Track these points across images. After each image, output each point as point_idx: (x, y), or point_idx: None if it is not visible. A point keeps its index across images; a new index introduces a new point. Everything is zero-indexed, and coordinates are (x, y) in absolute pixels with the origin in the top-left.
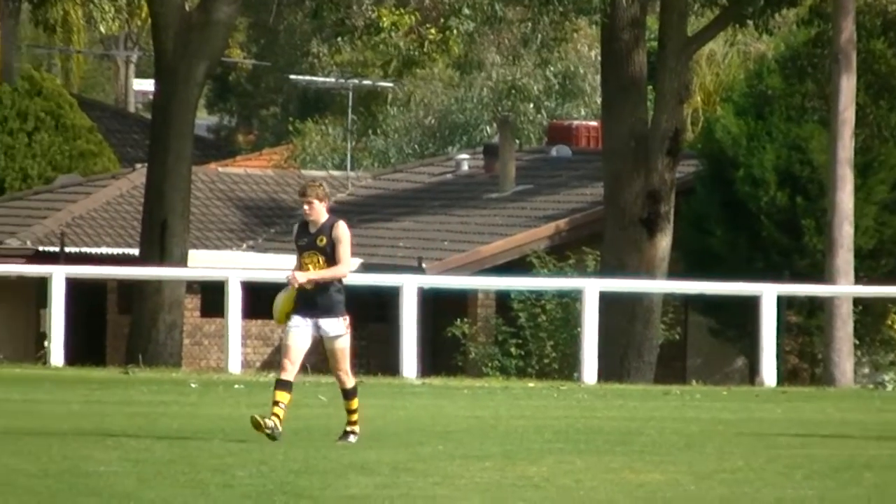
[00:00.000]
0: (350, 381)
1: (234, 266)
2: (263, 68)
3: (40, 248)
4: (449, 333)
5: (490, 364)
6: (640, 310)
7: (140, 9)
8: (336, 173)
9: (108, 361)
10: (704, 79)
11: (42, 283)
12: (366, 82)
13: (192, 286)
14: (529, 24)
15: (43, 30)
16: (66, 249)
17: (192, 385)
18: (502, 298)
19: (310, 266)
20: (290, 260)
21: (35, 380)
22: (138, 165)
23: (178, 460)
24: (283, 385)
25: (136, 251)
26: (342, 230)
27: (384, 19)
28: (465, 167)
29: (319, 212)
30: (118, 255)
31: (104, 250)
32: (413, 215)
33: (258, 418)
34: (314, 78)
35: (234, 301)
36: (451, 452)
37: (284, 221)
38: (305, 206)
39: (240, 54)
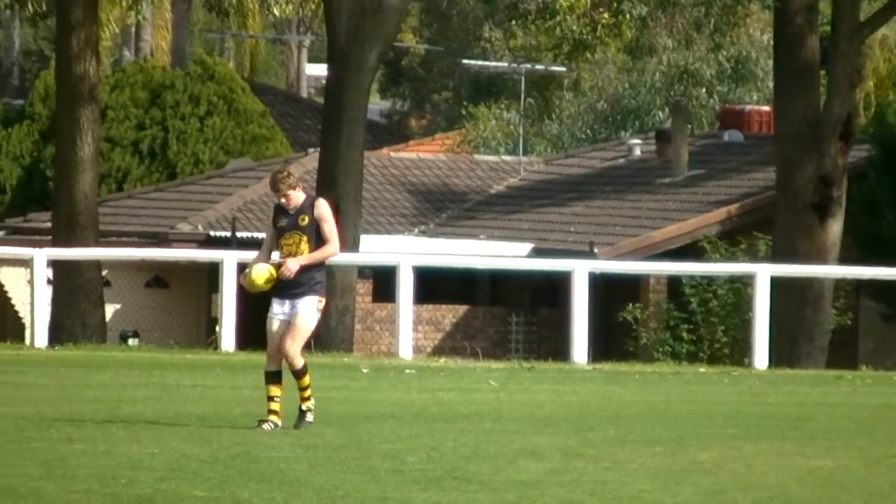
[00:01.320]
0: (299, 362)
1: (406, 251)
2: (436, 53)
3: (212, 233)
4: (620, 318)
5: (661, 349)
6: (811, 295)
7: None
8: (508, 158)
9: None
10: (877, 63)
11: (214, 269)
12: (538, 67)
13: (364, 271)
14: (702, 8)
15: (216, 14)
16: (238, 234)
17: (364, 370)
18: (674, 283)
19: (291, 247)
20: (462, 245)
21: (206, 365)
22: (310, 150)
23: (349, 446)
24: (273, 377)
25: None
26: (324, 208)
27: (560, 2)
28: (637, 152)
29: (296, 197)
30: None
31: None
32: (585, 200)
33: (259, 424)
34: (486, 63)
35: (406, 286)
36: (621, 437)
37: (457, 206)
38: (282, 199)
39: (412, 39)
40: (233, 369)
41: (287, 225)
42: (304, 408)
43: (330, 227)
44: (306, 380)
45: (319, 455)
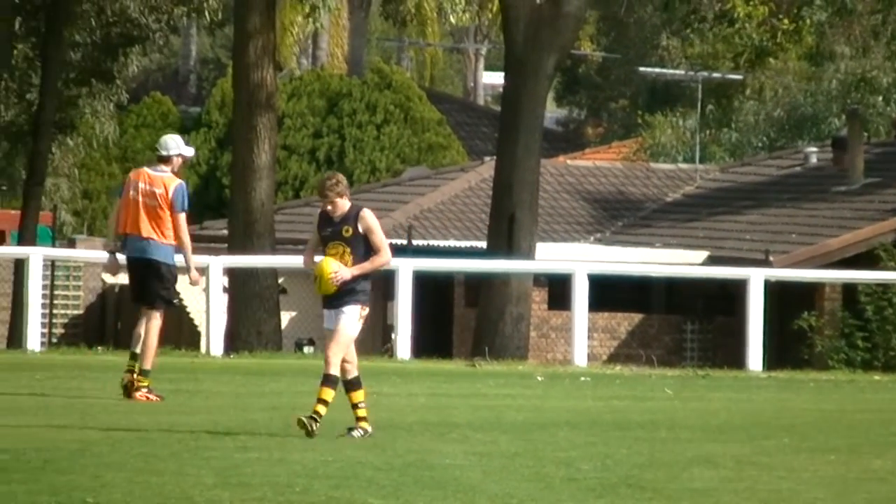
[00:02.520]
0: (336, 369)
1: (582, 259)
2: (613, 61)
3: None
4: (795, 326)
5: (835, 357)
6: None
7: (491, 1)
8: (684, 166)
9: (455, 354)
10: None
11: (389, 276)
12: (715, 75)
13: (539, 279)
14: (879, 16)
15: (394, 23)
16: (414, 242)
17: (539, 378)
18: (849, 291)
19: (335, 257)
20: (637, 253)
21: (382, 372)
22: (487, 158)
23: (523, 453)
24: (349, 386)
25: (482, 244)
26: (370, 219)
27: (739, 10)
28: (813, 160)
29: (342, 205)
30: (465, 248)
31: (451, 243)
32: (760, 208)
33: (304, 420)
34: (664, 70)
35: (581, 294)
36: (796, 445)
37: (632, 214)
38: (328, 207)
39: (590, 47)
40: (408, 377)
41: (331, 234)
42: (355, 426)
43: (379, 237)
44: (358, 395)
45: (494, 463)
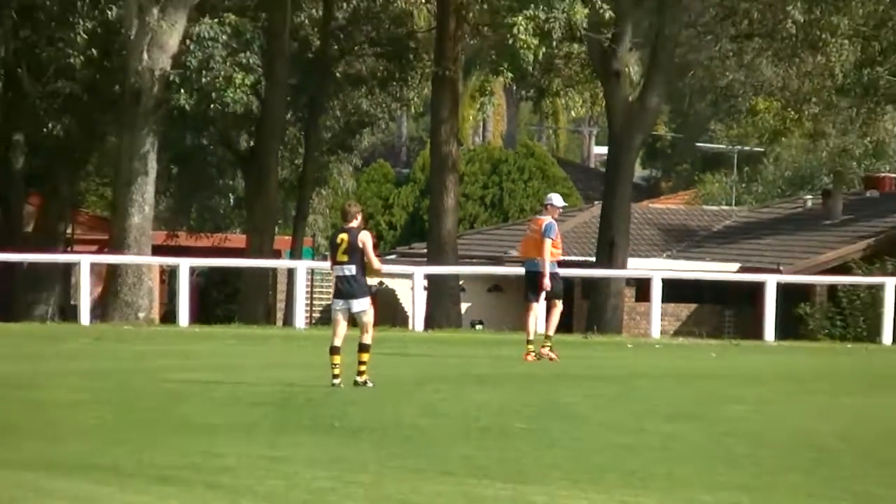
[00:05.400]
0: (367, 338)
1: (657, 268)
2: (678, 138)
3: None
4: (796, 312)
5: (822, 332)
6: None
7: (599, 99)
8: (726, 208)
9: (574, 330)
10: None
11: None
12: (746, 148)
13: (630, 281)
14: (854, 109)
15: (536, 112)
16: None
17: (629, 346)
18: (832, 290)
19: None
20: (693, 264)
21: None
22: (595, 202)
23: (619, 395)
24: (335, 350)
25: (593, 258)
26: (365, 238)
27: (759, 105)
28: (809, 204)
29: (357, 226)
30: (581, 261)
31: (572, 258)
32: (775, 235)
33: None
34: (711, 145)
35: (656, 291)
36: (797, 389)
37: (690, 238)
38: (348, 225)
39: (664, 129)
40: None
41: (343, 246)
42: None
43: (370, 253)
44: (365, 356)
45: (599, 401)
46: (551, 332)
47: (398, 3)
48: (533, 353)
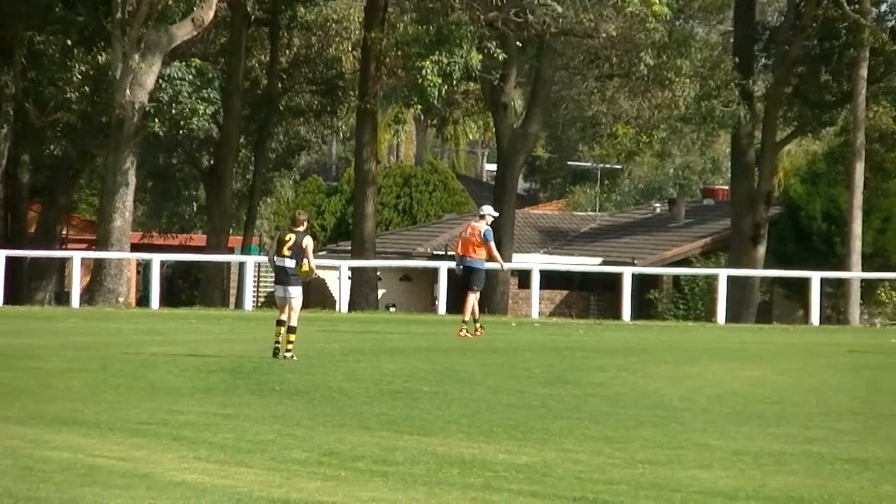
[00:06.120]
0: (294, 320)
1: (535, 262)
2: (553, 157)
3: (434, 253)
4: (648, 297)
5: (668, 313)
6: (748, 285)
7: (490, 126)
8: (592, 213)
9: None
10: (785, 162)
11: (434, 269)
12: (608, 165)
13: (513, 273)
14: (697, 133)
15: (439, 136)
16: (449, 253)
17: (512, 324)
18: (676, 279)
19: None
20: (566, 259)
21: (430, 322)
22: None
23: (503, 363)
24: (281, 323)
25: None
26: (308, 243)
27: (619, 131)
28: (658, 210)
29: (301, 230)
30: None
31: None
32: (631, 235)
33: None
34: (580, 163)
35: (535, 280)
36: (652, 359)
37: (563, 238)
38: (295, 228)
39: (541, 149)
40: (444, 324)
41: (289, 244)
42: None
43: (310, 255)
44: (293, 336)
45: (489, 369)
46: (467, 317)
47: (330, 50)
48: (465, 331)
